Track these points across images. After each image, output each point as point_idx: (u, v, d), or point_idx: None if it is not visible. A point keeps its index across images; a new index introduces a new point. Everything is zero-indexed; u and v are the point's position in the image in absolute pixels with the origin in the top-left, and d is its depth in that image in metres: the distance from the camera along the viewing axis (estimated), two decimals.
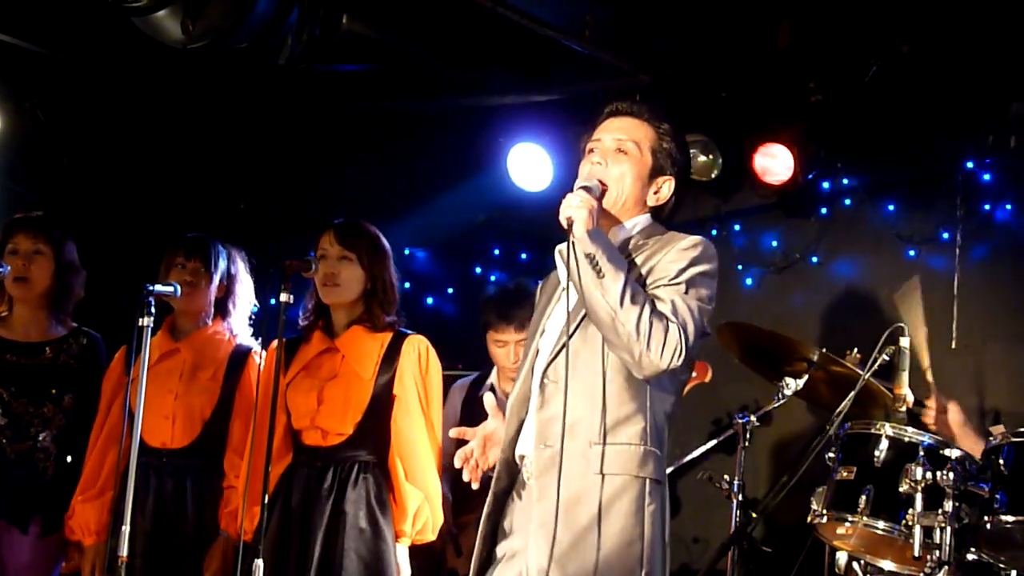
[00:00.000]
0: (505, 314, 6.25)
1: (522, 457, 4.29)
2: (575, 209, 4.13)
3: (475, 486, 4.45)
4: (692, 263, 4.17)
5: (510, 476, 4.33)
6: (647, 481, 4.12)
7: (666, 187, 4.39)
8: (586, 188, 4.21)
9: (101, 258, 6.43)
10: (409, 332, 5.61)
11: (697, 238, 4.26)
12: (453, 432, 4.49)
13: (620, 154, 4.34)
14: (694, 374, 6.37)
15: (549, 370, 4.23)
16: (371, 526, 5.36)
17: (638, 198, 4.36)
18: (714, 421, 7.12)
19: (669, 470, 6.28)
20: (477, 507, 6.10)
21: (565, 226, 4.13)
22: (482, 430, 4.45)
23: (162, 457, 5.74)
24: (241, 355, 5.90)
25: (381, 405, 5.48)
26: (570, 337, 4.17)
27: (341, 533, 5.33)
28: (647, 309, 4.02)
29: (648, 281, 4.18)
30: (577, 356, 4.17)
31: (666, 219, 4.44)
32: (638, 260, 4.25)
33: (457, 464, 4.42)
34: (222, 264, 5.96)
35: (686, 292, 4.13)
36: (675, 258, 4.19)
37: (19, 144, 7.41)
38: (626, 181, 4.33)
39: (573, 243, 4.09)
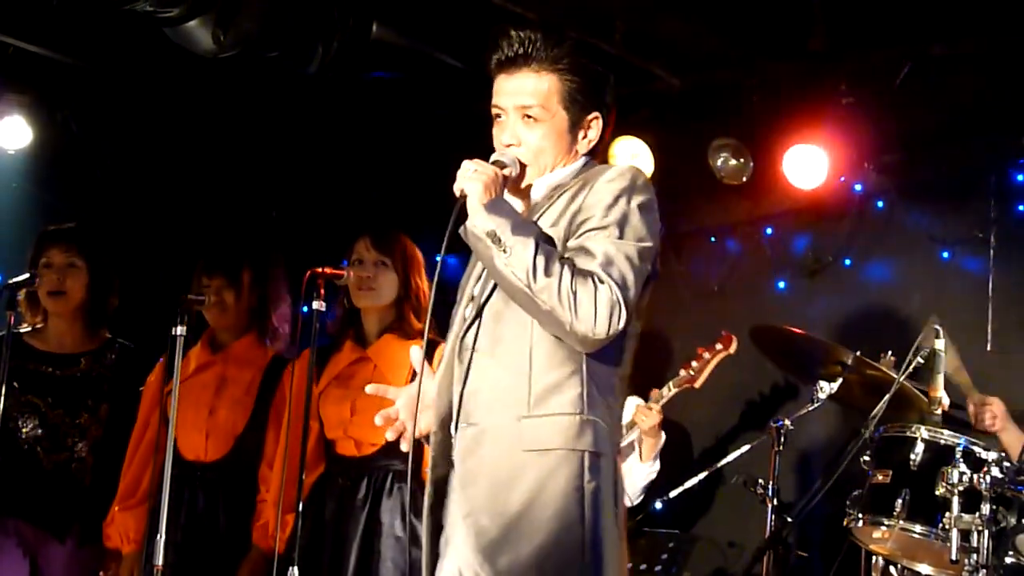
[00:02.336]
0: None
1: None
2: (468, 181, 3.72)
3: (404, 448, 3.93)
4: (619, 196, 3.70)
5: (447, 462, 3.84)
6: (585, 455, 3.62)
7: (594, 127, 3.92)
8: (497, 163, 3.81)
9: (135, 268, 6.46)
10: (440, 340, 5.61)
11: (623, 167, 3.82)
12: (370, 388, 4.06)
13: (529, 121, 3.85)
14: (719, 347, 6.37)
15: (467, 337, 3.81)
16: (407, 534, 5.36)
17: (566, 151, 3.89)
18: (748, 425, 7.10)
19: (703, 475, 6.35)
20: None
21: (458, 197, 3.74)
22: (408, 389, 3.97)
23: (196, 470, 5.76)
24: (277, 368, 5.90)
25: None
26: (486, 300, 3.79)
27: (377, 542, 5.33)
28: (567, 276, 3.56)
29: (575, 228, 3.72)
30: (499, 319, 3.76)
31: (602, 141, 3.98)
32: (561, 205, 3.80)
33: (377, 422, 3.94)
34: (249, 275, 5.95)
35: (620, 235, 3.65)
36: (601, 195, 3.72)
37: (52, 155, 7.45)
38: (546, 149, 3.86)
39: (469, 222, 3.69)
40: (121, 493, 5.86)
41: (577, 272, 3.60)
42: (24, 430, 5.84)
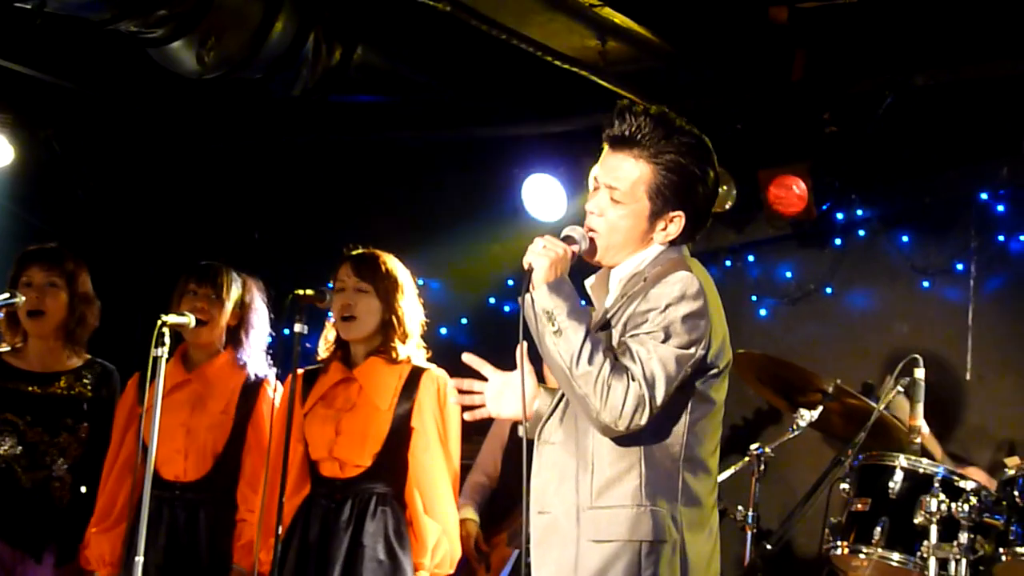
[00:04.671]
0: None
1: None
2: (537, 256, 3.89)
3: (467, 417, 4.23)
4: (668, 307, 3.82)
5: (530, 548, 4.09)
6: (642, 544, 3.81)
7: (675, 224, 3.99)
8: (567, 238, 3.97)
9: (115, 288, 6.44)
10: (428, 365, 5.61)
11: (678, 276, 3.89)
12: (466, 357, 4.16)
13: (615, 203, 3.97)
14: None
15: (544, 431, 4.03)
16: (390, 558, 5.36)
17: (640, 239, 4.01)
18: (728, 452, 7.09)
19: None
20: (507, 526, 6.06)
21: (526, 270, 3.91)
22: (504, 376, 4.14)
23: (175, 490, 5.73)
24: (254, 387, 5.88)
25: (399, 437, 5.47)
26: (563, 395, 3.98)
27: (359, 566, 5.32)
28: (606, 368, 3.76)
29: (628, 326, 3.88)
30: (571, 413, 3.96)
31: (692, 236, 4.07)
32: (627, 312, 3.93)
33: (451, 400, 4.25)
34: (235, 292, 5.94)
35: (664, 340, 3.80)
36: (652, 302, 3.85)
37: (34, 174, 7.44)
38: (621, 229, 3.98)
39: (532, 295, 3.86)
40: (97, 515, 5.82)
41: (616, 367, 3.78)
42: (2, 448, 5.82)
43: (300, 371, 5.51)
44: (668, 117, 4.02)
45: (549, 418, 4.02)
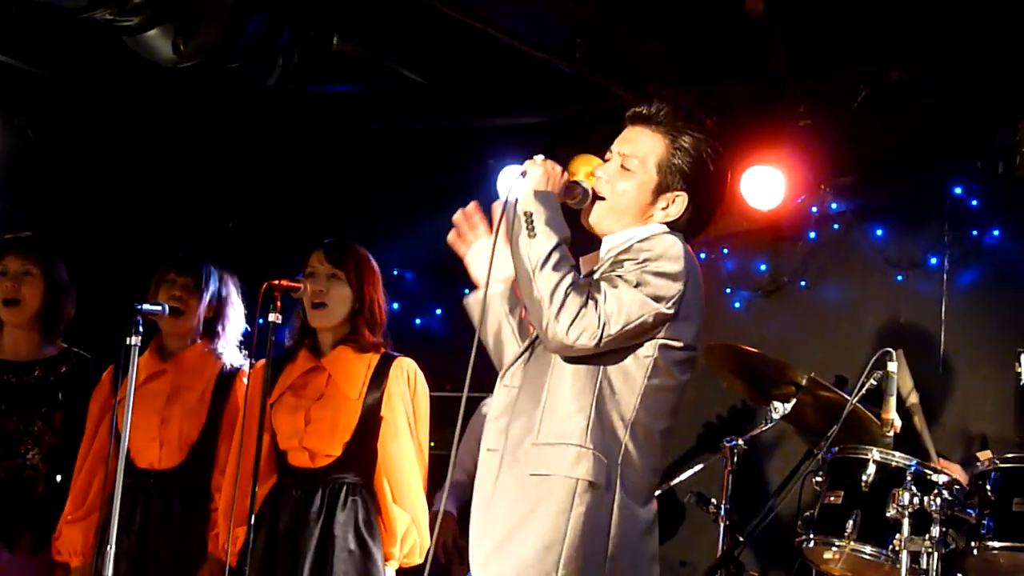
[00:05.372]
0: None
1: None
2: (533, 166, 4.03)
3: (449, 238, 4.46)
4: (646, 260, 3.91)
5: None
6: (578, 482, 3.84)
7: (676, 204, 4.08)
8: (574, 183, 4.09)
9: (90, 277, 6.41)
10: (397, 354, 5.60)
11: (664, 237, 4.01)
12: (469, 208, 4.41)
13: (624, 171, 4.09)
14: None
15: (507, 376, 4.14)
16: (360, 548, 5.35)
17: (640, 212, 4.09)
18: (701, 444, 7.11)
19: (656, 493, 6.36)
20: None
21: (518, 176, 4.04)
22: (486, 242, 4.31)
23: (149, 479, 5.71)
24: (229, 376, 5.87)
25: (369, 427, 5.46)
26: (532, 343, 4.10)
27: (330, 556, 5.30)
28: (568, 279, 3.83)
29: (606, 273, 3.97)
30: (535, 359, 4.07)
31: (690, 228, 4.15)
32: (606, 266, 4.04)
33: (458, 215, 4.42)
34: (212, 284, 5.93)
35: (636, 286, 3.87)
36: (632, 254, 3.95)
37: (8, 162, 7.40)
38: (624, 197, 4.08)
39: (517, 197, 3.98)
40: (69, 505, 5.79)
41: (579, 285, 3.87)
42: None
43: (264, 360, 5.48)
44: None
45: (513, 364, 4.12)
